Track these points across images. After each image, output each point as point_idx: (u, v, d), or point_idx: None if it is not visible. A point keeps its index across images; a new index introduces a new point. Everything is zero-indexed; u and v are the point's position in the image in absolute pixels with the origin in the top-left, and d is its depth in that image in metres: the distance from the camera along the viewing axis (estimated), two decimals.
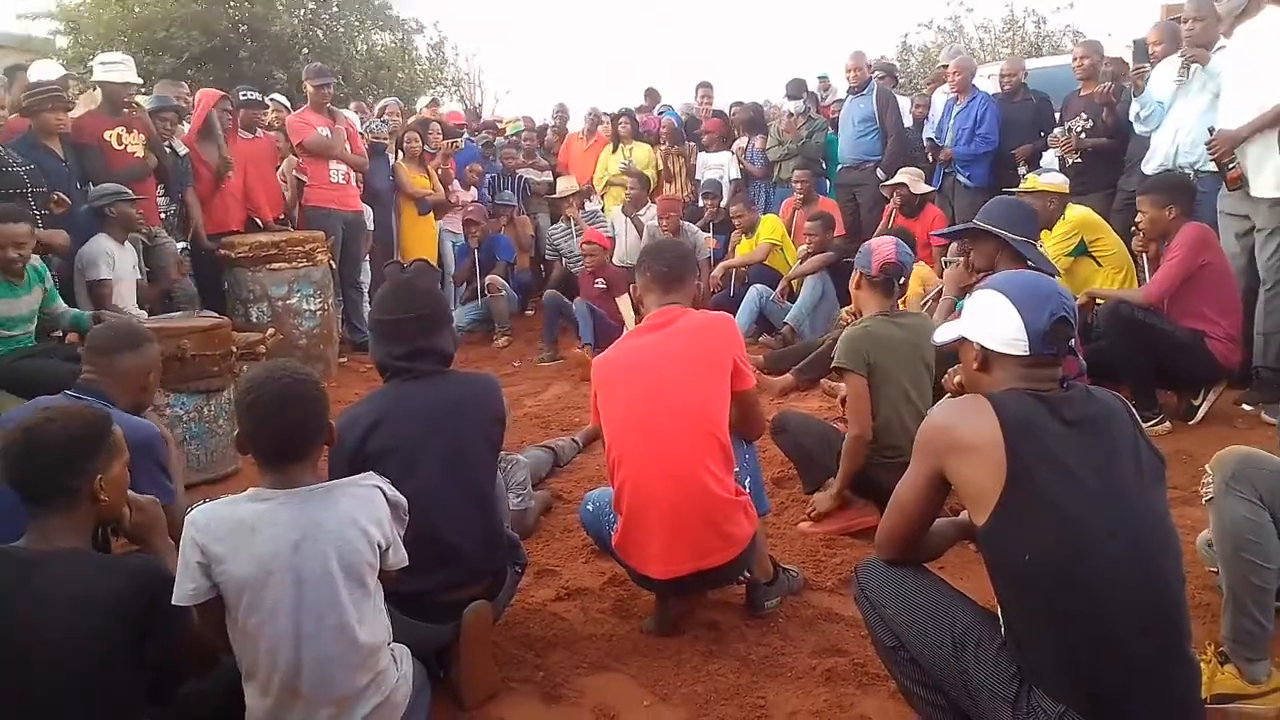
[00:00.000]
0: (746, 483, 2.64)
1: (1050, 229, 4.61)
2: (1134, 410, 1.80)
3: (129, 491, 1.97)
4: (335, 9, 11.36)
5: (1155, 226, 4.06)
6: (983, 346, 1.83)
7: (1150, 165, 4.90)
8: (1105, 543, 1.64)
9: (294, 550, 1.81)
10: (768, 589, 2.73)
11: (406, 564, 2.00)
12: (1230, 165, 4.03)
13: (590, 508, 2.82)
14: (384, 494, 1.97)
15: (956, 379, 1.93)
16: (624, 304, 6.24)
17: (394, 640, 2.02)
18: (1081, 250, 4.64)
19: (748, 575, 2.70)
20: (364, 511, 1.90)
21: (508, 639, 2.60)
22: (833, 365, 3.33)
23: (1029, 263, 3.33)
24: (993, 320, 1.82)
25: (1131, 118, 5.15)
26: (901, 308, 3.59)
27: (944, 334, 1.95)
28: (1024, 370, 1.79)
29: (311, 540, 1.82)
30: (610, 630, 2.68)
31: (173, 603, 1.78)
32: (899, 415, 3.19)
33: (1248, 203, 4.08)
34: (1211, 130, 4.08)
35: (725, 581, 2.69)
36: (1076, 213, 4.69)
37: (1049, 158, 6.34)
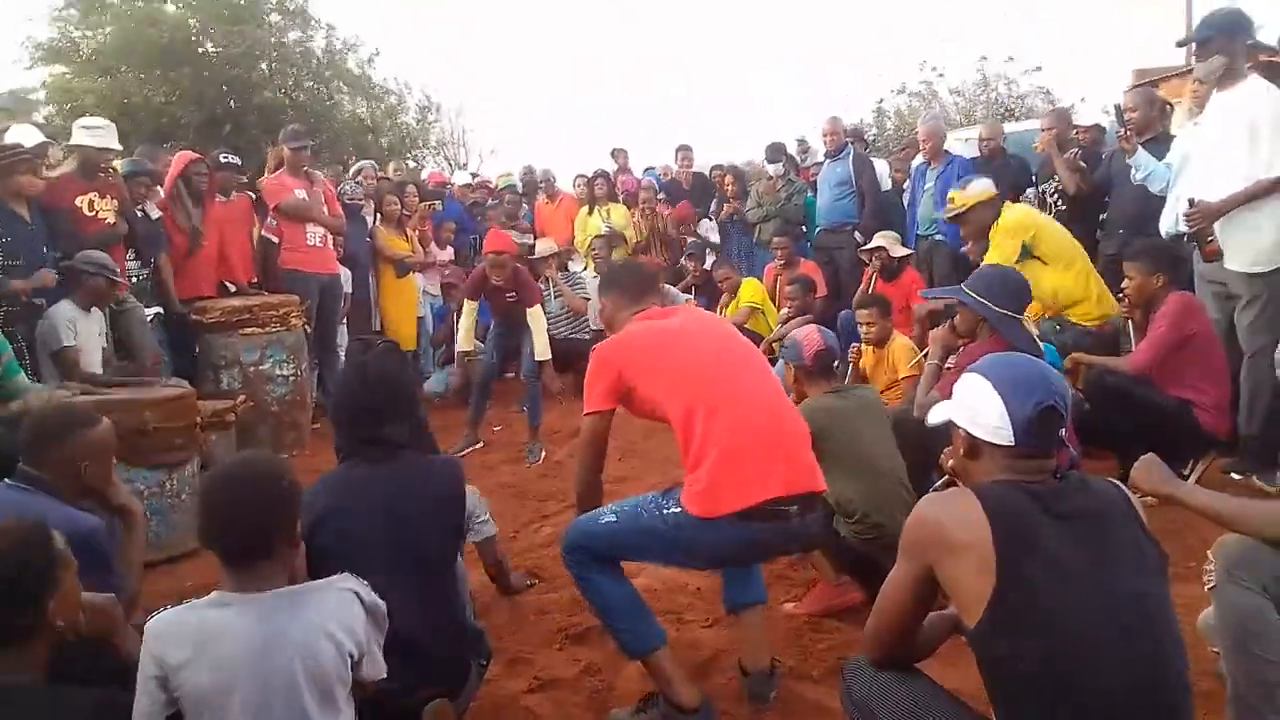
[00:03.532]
0: None
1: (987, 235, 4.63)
2: (1133, 500, 1.71)
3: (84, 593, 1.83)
4: (316, 81, 11.41)
5: (1141, 293, 4.02)
6: (969, 433, 1.76)
7: (1162, 229, 4.86)
8: (1103, 648, 1.54)
9: (257, 661, 1.68)
10: (769, 679, 2.60)
11: (384, 675, 1.87)
12: (1209, 239, 4.00)
13: (605, 518, 2.51)
14: (360, 599, 1.84)
15: (950, 462, 1.85)
16: (535, 315, 5.67)
17: None
18: (1025, 253, 4.56)
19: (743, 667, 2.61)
20: (335, 619, 1.77)
21: None
22: None
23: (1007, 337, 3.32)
24: (977, 407, 1.75)
25: (1134, 180, 5.12)
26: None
27: (936, 414, 1.87)
28: (1010, 461, 1.70)
29: (276, 650, 1.69)
30: None
31: None
32: (867, 488, 3.11)
33: (1224, 272, 4.07)
34: (1191, 202, 4.07)
35: (808, 534, 2.51)
36: (1011, 215, 4.63)
37: None
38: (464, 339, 5.96)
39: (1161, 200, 4.53)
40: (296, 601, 1.77)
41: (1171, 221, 4.68)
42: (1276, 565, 2.01)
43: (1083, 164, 5.63)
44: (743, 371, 2.50)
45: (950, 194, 5.09)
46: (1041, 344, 3.67)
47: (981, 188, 4.77)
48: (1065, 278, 4.56)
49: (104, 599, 1.93)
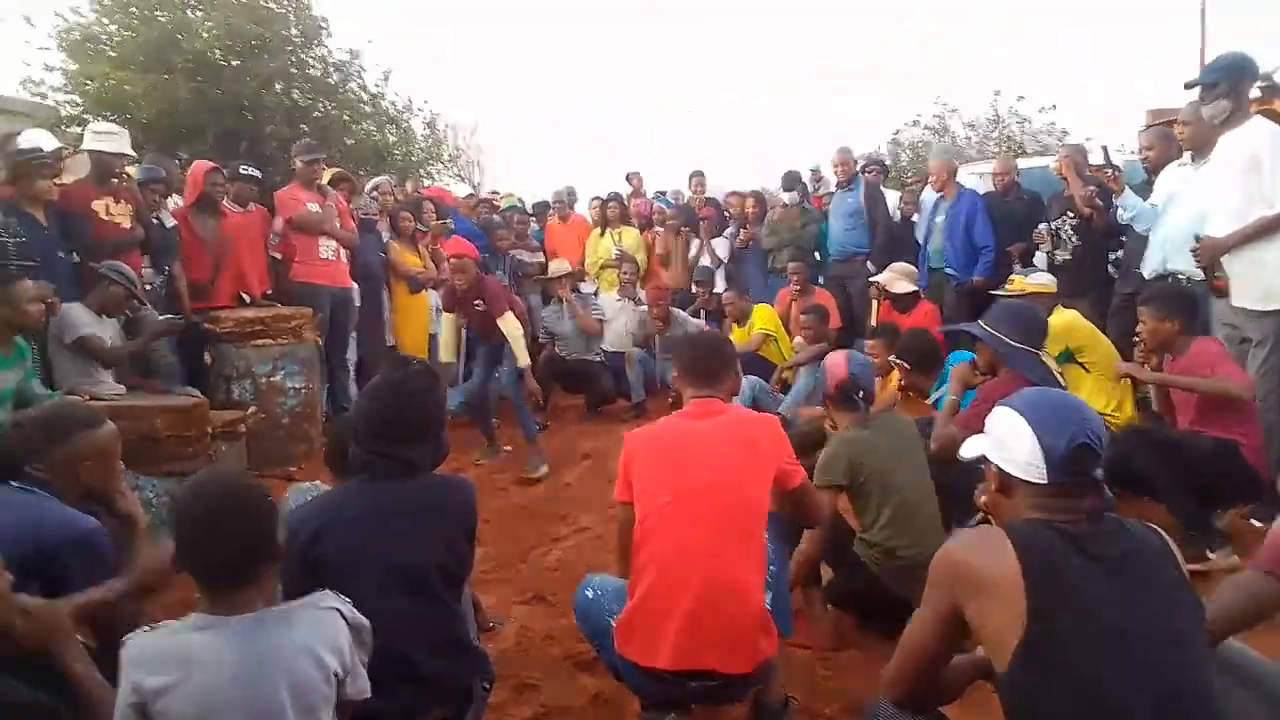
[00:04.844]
0: (769, 598, 2.49)
1: None
2: (1174, 547, 1.67)
3: (20, 596, 1.78)
4: (330, 104, 11.43)
5: (1155, 338, 3.96)
6: (1001, 469, 1.73)
7: (1146, 269, 4.91)
8: (1135, 702, 1.50)
9: (241, 686, 1.63)
10: (782, 714, 2.55)
11: (368, 695, 1.83)
12: (1216, 274, 4.02)
13: (590, 594, 2.64)
14: (344, 616, 1.80)
15: (983, 498, 1.82)
16: (506, 322, 5.65)
17: None
18: (1067, 357, 4.56)
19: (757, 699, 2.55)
20: (319, 638, 1.73)
21: None
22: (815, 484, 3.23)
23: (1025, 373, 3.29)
24: (1009, 442, 1.72)
25: (1120, 220, 5.19)
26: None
27: (968, 448, 1.84)
28: (1043, 499, 1.67)
29: (260, 674, 1.65)
30: None
31: None
32: (894, 521, 3.11)
33: (1237, 314, 4.05)
34: (1198, 238, 4.08)
35: (728, 698, 2.51)
36: (1063, 318, 4.62)
37: (1041, 257, 6.38)
38: (443, 350, 6.09)
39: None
40: (280, 623, 1.72)
41: (1158, 261, 4.70)
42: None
43: (1099, 201, 5.63)
44: (712, 518, 2.35)
45: (1014, 276, 5.24)
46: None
47: (1043, 281, 4.89)
48: (1103, 386, 4.52)
49: (38, 604, 1.84)
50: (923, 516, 3.15)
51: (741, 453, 2.46)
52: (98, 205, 5.05)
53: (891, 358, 4.50)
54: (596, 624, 2.59)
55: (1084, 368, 4.53)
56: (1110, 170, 5.01)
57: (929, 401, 4.47)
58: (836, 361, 3.37)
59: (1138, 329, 4.08)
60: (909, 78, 34.12)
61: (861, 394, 3.31)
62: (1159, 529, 1.70)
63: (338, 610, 1.80)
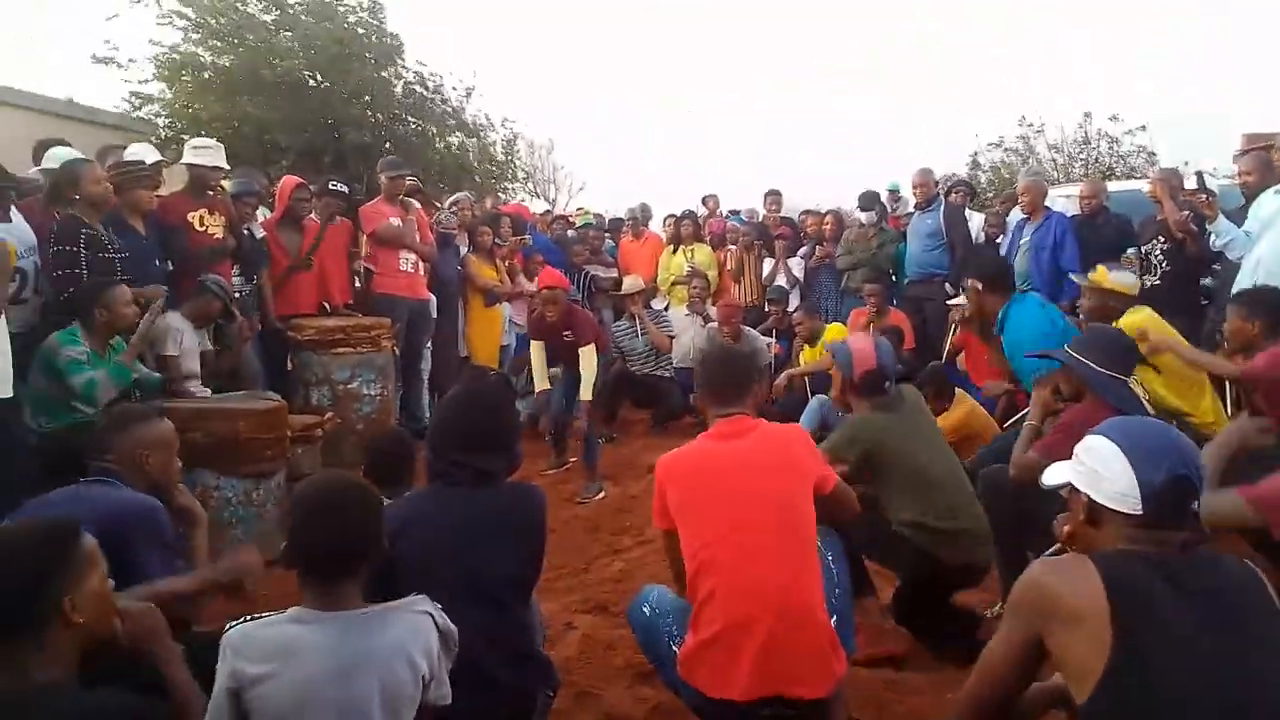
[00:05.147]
0: (834, 620, 2.44)
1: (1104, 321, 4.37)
2: (1268, 583, 1.60)
3: (119, 598, 1.83)
4: (413, 118, 11.72)
5: (1238, 337, 3.81)
6: (1091, 499, 1.67)
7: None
8: None
9: (336, 681, 1.68)
10: None
11: (449, 701, 1.86)
12: None
13: (646, 610, 2.60)
14: (435, 622, 1.84)
15: (1066, 528, 1.76)
16: (585, 354, 5.64)
17: None
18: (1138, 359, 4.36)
19: None
20: (414, 641, 1.78)
21: None
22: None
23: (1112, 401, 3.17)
24: (1102, 472, 1.66)
25: (1213, 247, 5.00)
26: None
27: (1052, 476, 1.79)
28: (1135, 531, 1.61)
29: (356, 671, 1.69)
30: None
31: None
32: (921, 498, 3.07)
33: None
34: None
35: None
36: (1136, 317, 4.44)
37: None
38: (539, 379, 5.99)
39: None
40: (378, 624, 1.76)
41: (1248, 286, 4.50)
42: None
43: (1194, 227, 5.44)
44: (768, 540, 2.30)
45: (1099, 266, 4.95)
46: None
47: (1127, 281, 4.72)
48: (1176, 387, 4.29)
49: (141, 607, 1.88)
50: (950, 480, 3.13)
51: (784, 472, 2.42)
52: (193, 217, 5.26)
53: (965, 281, 4.37)
54: (655, 644, 2.56)
55: (1155, 369, 4.34)
56: (1204, 195, 4.83)
57: (1006, 425, 4.36)
58: (863, 349, 3.25)
59: (1223, 326, 3.94)
60: (909, 78, 33.51)
61: (888, 384, 3.24)
62: (1253, 565, 1.63)
63: (430, 615, 1.84)
